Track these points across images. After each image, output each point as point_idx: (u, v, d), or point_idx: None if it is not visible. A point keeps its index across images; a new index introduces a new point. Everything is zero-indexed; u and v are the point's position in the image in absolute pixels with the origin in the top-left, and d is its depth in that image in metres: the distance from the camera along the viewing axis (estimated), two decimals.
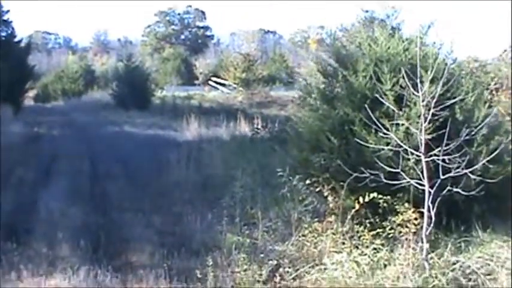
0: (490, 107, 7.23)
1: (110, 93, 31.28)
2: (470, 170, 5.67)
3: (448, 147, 5.61)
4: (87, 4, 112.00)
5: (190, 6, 79.97)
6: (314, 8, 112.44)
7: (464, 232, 6.58)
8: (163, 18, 78.34)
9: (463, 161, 5.68)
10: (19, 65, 24.31)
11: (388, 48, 7.22)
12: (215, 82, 42.39)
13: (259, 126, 17.61)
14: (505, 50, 15.51)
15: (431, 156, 5.60)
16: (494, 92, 11.02)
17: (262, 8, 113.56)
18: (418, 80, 5.68)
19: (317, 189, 7.29)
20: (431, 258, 5.71)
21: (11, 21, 25.50)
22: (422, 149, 5.57)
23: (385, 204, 6.26)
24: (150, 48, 71.19)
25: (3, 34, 25.44)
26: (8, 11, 25.23)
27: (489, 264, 5.75)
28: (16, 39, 25.95)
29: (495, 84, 11.41)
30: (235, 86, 37.44)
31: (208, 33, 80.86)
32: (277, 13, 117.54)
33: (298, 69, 39.88)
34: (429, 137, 5.67)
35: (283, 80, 45.20)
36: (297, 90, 29.10)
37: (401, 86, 6.79)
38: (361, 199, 6.06)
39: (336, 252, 5.90)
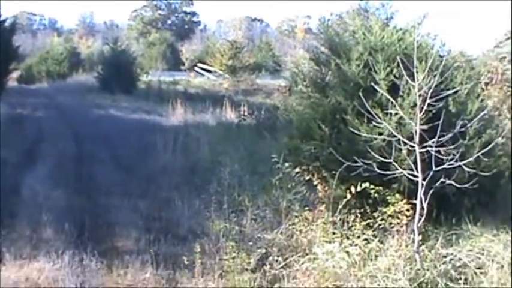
0: (481, 100, 7.18)
1: (95, 76, 30.95)
2: (465, 162, 5.61)
3: (442, 138, 5.54)
4: None
5: None
6: None
7: (454, 225, 6.55)
8: (150, 3, 77.57)
9: (457, 153, 5.62)
10: (3, 45, 23.87)
11: (383, 37, 7.13)
12: (201, 68, 42.12)
13: (246, 113, 17.52)
14: (500, 42, 15.50)
15: (425, 147, 5.53)
16: (484, 86, 11.00)
17: None
18: (415, 70, 5.59)
19: (307, 178, 7.22)
20: (423, 250, 5.66)
21: None
22: (416, 139, 5.50)
23: (376, 195, 6.18)
24: (136, 33, 70.53)
25: None
26: None
27: (479, 258, 5.70)
28: (0, 19, 25.47)
29: (486, 78, 11.39)
30: (221, 72, 37.20)
31: (195, 19, 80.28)
32: (264, 1, 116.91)
33: (285, 58, 39.83)
34: (423, 127, 5.59)
35: (269, 69, 45.05)
36: (283, 79, 29.15)
37: (395, 76, 6.73)
38: (352, 189, 5.96)
39: (326, 241, 5.82)
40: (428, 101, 5.43)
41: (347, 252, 5.54)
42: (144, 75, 34.32)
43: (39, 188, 8.46)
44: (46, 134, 14.35)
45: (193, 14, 79.89)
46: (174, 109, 18.73)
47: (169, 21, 77.94)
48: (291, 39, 58.44)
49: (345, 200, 6.06)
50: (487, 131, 6.70)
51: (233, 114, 19.10)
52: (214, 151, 11.18)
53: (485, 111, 6.71)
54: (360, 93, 6.62)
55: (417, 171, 5.64)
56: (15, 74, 34.28)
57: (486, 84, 11.49)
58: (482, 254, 5.76)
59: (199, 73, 41.60)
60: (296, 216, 6.41)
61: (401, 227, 5.92)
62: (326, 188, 6.94)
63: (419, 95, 5.49)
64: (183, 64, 47.08)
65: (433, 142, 5.46)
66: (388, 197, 6.14)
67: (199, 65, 42.92)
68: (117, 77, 27.63)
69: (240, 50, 38.12)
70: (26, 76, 40.63)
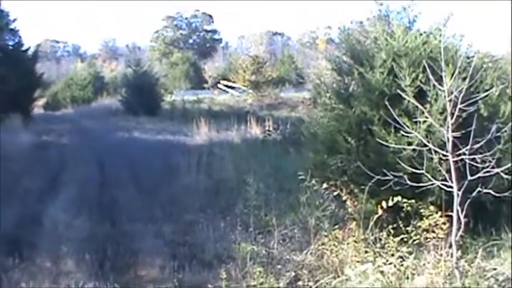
0: None
1: (119, 99, 31.03)
2: (502, 169, 5.26)
3: (477, 145, 5.19)
4: (95, 11, 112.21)
5: (197, 10, 79.95)
6: (322, 8, 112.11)
7: (493, 235, 6.18)
8: (171, 23, 78.26)
9: (493, 159, 5.27)
10: (27, 73, 24.14)
11: (406, 42, 6.82)
12: (224, 85, 42.13)
13: (271, 128, 17.32)
14: None
15: (459, 155, 5.18)
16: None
17: (269, 10, 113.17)
18: (443, 74, 5.26)
19: (335, 193, 6.91)
20: (462, 265, 5.29)
21: (18, 30, 25.31)
22: (449, 147, 5.16)
23: (409, 208, 5.84)
24: (158, 54, 71.06)
25: (11, 43, 25.28)
26: (15, 19, 25.02)
27: None
28: (24, 48, 25.72)
29: None
30: (244, 88, 37.14)
31: (216, 36, 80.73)
32: (284, 14, 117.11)
33: (307, 70, 39.63)
34: (455, 134, 5.25)
35: (293, 81, 44.95)
36: (307, 91, 28.85)
37: (421, 81, 6.41)
38: (384, 203, 5.63)
39: (358, 261, 5.49)
40: (459, 106, 5.10)
41: (381, 272, 5.20)
42: (168, 96, 34.38)
43: (60, 217, 8.25)
44: (70, 161, 14.23)
45: (214, 31, 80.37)
46: (198, 128, 18.58)
47: (190, 40, 78.49)
48: (313, 50, 58.30)
49: (376, 216, 5.73)
50: None
51: (258, 129, 18.90)
52: (239, 169, 10.91)
53: None
54: (386, 102, 6.34)
55: (451, 181, 5.30)
56: (40, 102, 34.66)
57: None
58: None
59: (223, 90, 41.62)
60: (326, 236, 6.08)
61: (438, 241, 5.57)
62: (356, 203, 6.62)
63: (449, 100, 5.16)
64: (206, 82, 47.27)
65: (467, 149, 5.11)
66: (422, 210, 5.79)
67: (223, 82, 42.97)
68: (141, 99, 27.66)
69: (262, 64, 38.07)
70: (51, 103, 40.94)
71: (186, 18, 79.72)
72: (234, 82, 38.95)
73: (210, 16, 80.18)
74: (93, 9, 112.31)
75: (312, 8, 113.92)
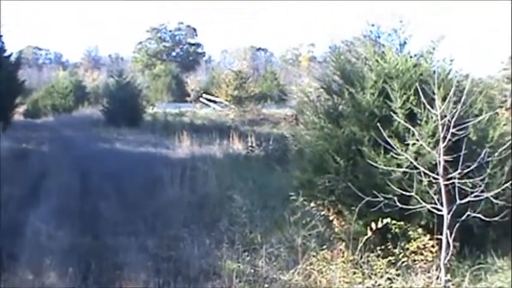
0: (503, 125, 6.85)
1: (100, 109, 30.78)
2: (491, 194, 5.28)
3: (468, 169, 5.21)
4: (78, 20, 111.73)
5: (182, 23, 79.93)
6: (306, 26, 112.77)
7: (479, 258, 6.21)
8: (155, 35, 78.11)
9: (484, 184, 5.29)
10: (8, 79, 23.82)
11: (397, 64, 6.85)
12: (206, 99, 42.04)
13: (253, 144, 17.26)
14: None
15: (449, 179, 5.20)
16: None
17: (253, 25, 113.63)
18: (436, 97, 5.29)
19: (322, 213, 6.90)
20: None
21: (0, 36, 25.02)
22: (440, 171, 5.17)
23: (396, 230, 5.85)
24: (141, 65, 70.87)
25: None
26: None
27: None
28: (6, 54, 25.45)
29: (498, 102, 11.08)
30: (226, 103, 37.07)
31: (199, 50, 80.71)
32: (268, 30, 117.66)
33: (290, 87, 39.72)
34: (446, 158, 5.27)
35: (275, 98, 44.98)
36: (289, 108, 28.81)
37: (411, 104, 6.44)
38: (373, 225, 5.62)
39: (346, 282, 5.46)
40: (452, 130, 5.12)
41: None
42: (150, 108, 34.18)
43: (42, 228, 8.09)
44: (51, 170, 14.01)
45: (198, 45, 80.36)
46: (180, 141, 18.47)
47: (173, 53, 78.39)
48: (296, 67, 58.47)
49: (366, 236, 5.71)
50: (510, 159, 6.37)
51: (240, 145, 18.84)
52: (223, 185, 10.85)
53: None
54: (376, 123, 6.35)
55: (441, 205, 5.31)
56: (21, 109, 34.32)
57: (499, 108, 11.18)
58: None
59: (205, 104, 41.52)
60: (314, 256, 6.05)
61: (425, 263, 5.57)
62: (343, 223, 6.62)
63: (442, 124, 5.18)
64: (189, 95, 47.11)
65: (459, 173, 5.13)
66: (410, 232, 5.79)
67: (205, 95, 42.88)
68: (123, 110, 27.44)
69: (245, 80, 38.04)
70: (32, 110, 40.60)
71: (170, 31, 79.65)
72: (216, 96, 38.87)
73: (194, 29, 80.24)
74: (76, 17, 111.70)
75: (295, 25, 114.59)
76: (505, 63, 20.49)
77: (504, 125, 6.88)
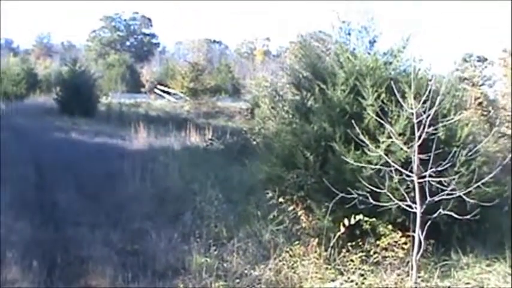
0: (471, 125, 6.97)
1: (54, 98, 30.10)
2: (464, 192, 5.36)
3: (442, 167, 5.27)
4: (30, 6, 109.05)
5: (137, 12, 78.81)
6: (261, 19, 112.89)
7: (443, 255, 6.31)
8: (109, 24, 76.84)
9: (459, 182, 5.37)
10: None
11: (368, 61, 6.88)
12: (161, 90, 41.61)
13: (213, 138, 17.19)
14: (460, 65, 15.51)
15: (423, 177, 5.24)
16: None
17: (207, 18, 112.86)
18: (410, 95, 5.33)
19: (290, 208, 6.88)
20: (419, 284, 5.36)
21: None
22: (415, 168, 5.21)
23: (367, 226, 5.88)
24: (94, 54, 69.60)
25: None
26: None
27: None
28: None
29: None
30: (181, 95, 36.77)
31: (154, 40, 79.77)
32: (223, 23, 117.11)
33: (244, 81, 39.69)
34: (421, 156, 5.31)
35: (229, 91, 44.91)
36: (244, 102, 28.76)
37: (383, 101, 6.48)
38: (346, 221, 5.63)
39: (319, 278, 5.45)
40: (427, 129, 5.15)
41: None
42: (104, 97, 33.64)
43: (0, 219, 7.84)
44: (4, 160, 13.59)
45: (152, 35, 79.46)
46: (136, 132, 18.24)
47: (128, 43, 77.28)
48: (250, 61, 58.47)
49: (339, 232, 5.71)
50: (477, 158, 6.47)
51: (197, 137, 18.77)
52: (184, 178, 10.75)
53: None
54: (346, 120, 6.37)
55: (413, 202, 5.35)
56: None
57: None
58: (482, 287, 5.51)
59: (160, 95, 41.10)
60: (286, 251, 6.01)
61: (395, 260, 5.62)
62: (311, 218, 6.61)
63: (418, 122, 5.21)
64: (143, 86, 46.62)
65: (434, 172, 5.17)
66: (381, 229, 5.83)
67: (160, 87, 42.42)
68: (77, 99, 26.90)
69: (201, 72, 37.78)
70: None
71: (125, 20, 78.44)
72: (171, 88, 38.52)
73: (149, 19, 79.23)
74: (28, 3, 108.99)
75: (251, 19, 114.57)
76: (457, 64, 20.81)
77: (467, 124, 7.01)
